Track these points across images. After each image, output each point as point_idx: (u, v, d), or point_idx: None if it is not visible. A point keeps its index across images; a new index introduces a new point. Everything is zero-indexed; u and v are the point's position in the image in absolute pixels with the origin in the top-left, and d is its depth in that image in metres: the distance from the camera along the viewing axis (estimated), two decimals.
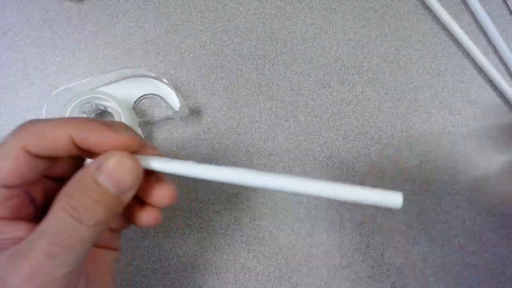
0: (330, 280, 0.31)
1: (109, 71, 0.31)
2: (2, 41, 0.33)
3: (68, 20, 0.34)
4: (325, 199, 0.18)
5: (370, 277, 0.31)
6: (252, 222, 0.31)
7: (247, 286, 0.30)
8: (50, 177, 0.20)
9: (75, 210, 0.16)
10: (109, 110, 0.31)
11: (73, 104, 0.29)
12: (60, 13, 0.34)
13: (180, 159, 0.20)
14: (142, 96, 0.32)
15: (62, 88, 0.29)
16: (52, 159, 0.19)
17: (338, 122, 0.33)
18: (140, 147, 0.19)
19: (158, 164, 0.19)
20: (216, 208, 0.31)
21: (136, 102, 0.32)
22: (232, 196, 0.31)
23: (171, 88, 0.31)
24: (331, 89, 0.34)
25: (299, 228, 0.31)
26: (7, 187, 0.17)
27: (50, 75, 0.33)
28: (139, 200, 0.20)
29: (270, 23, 0.35)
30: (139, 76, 0.31)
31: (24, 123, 0.18)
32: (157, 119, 0.32)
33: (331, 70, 0.35)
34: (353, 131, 0.33)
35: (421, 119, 0.34)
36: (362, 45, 0.35)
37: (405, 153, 0.33)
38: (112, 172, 0.17)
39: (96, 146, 0.18)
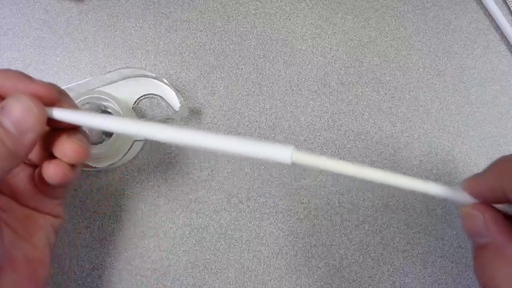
0: (330, 280, 0.31)
1: (109, 71, 0.31)
2: (2, 41, 0.33)
3: (68, 20, 0.34)
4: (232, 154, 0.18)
5: (370, 277, 0.31)
6: (252, 222, 0.31)
7: (247, 286, 0.30)
8: None
9: None
10: (109, 110, 0.31)
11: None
12: (60, 13, 0.34)
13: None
14: (142, 96, 0.32)
15: (62, 88, 0.29)
16: None
17: (338, 122, 0.33)
18: (59, 101, 0.20)
19: (61, 113, 0.19)
20: (216, 208, 0.31)
21: (136, 102, 0.32)
22: (232, 196, 0.31)
23: (171, 88, 0.31)
24: (331, 89, 0.34)
25: (299, 228, 0.31)
26: None
27: (50, 75, 0.33)
28: (52, 155, 0.21)
29: (270, 23, 0.35)
30: (139, 76, 0.31)
31: None
32: (157, 119, 0.32)
33: (331, 70, 0.35)
34: (353, 131, 0.33)
35: (421, 119, 0.34)
36: (362, 45, 0.35)
37: (405, 153, 0.33)
38: (12, 111, 0.18)
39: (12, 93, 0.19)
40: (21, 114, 0.18)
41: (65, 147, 0.20)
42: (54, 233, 0.23)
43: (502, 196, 0.18)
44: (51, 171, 0.20)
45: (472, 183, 0.20)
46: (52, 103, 0.20)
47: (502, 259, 0.18)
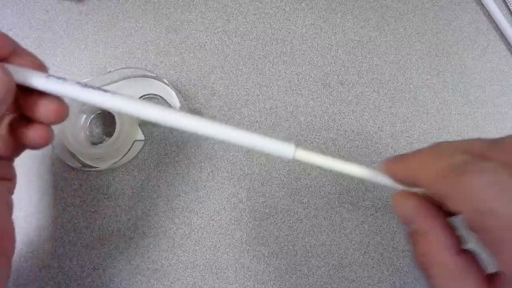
0: (330, 280, 0.31)
1: (109, 71, 0.31)
2: None
3: (68, 20, 0.34)
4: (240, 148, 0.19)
5: (370, 277, 0.31)
6: (252, 222, 0.31)
7: (247, 286, 0.30)
8: None
9: None
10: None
11: (73, 104, 0.29)
12: (60, 13, 0.34)
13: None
14: (142, 96, 0.32)
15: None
16: None
17: (338, 122, 0.33)
18: (14, 53, 0.19)
19: (34, 80, 0.18)
20: (216, 208, 0.31)
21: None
22: (232, 196, 0.31)
23: (171, 88, 0.31)
24: (331, 89, 0.34)
25: (299, 228, 0.31)
26: None
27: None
28: (26, 119, 0.20)
29: (270, 23, 0.35)
30: (139, 76, 0.31)
31: None
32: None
33: (331, 70, 0.35)
34: (353, 131, 0.33)
35: (421, 119, 0.34)
36: (362, 45, 0.35)
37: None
38: None
39: None
40: None
41: (45, 109, 0.19)
42: (11, 198, 0.22)
43: (412, 183, 0.19)
44: (35, 136, 0.19)
45: (390, 165, 0.20)
46: (5, 57, 0.19)
47: (428, 242, 0.19)
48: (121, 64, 0.33)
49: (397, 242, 0.31)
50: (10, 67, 0.18)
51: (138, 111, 0.19)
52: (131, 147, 0.30)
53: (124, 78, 0.31)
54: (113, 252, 0.30)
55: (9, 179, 0.22)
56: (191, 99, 0.33)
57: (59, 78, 0.18)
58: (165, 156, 0.32)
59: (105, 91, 0.19)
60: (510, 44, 0.36)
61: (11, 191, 0.22)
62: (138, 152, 0.31)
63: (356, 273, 0.31)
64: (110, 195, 0.31)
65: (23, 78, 0.18)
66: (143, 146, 0.31)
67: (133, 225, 0.30)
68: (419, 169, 0.19)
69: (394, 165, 0.20)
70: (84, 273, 0.29)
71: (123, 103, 0.19)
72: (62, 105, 0.19)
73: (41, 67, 0.20)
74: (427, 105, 0.34)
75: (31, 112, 0.19)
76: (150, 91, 0.32)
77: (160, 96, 0.32)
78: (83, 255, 0.29)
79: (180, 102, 0.30)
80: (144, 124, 0.32)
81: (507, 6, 0.37)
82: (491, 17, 0.37)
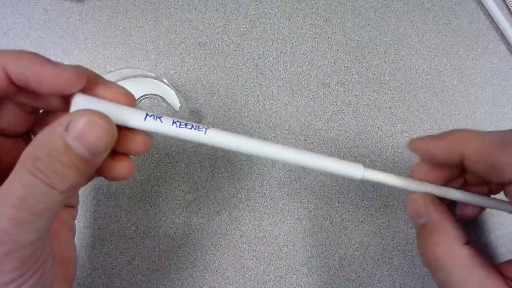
0: (330, 280, 0.31)
1: (109, 71, 0.31)
2: (3, 42, 0.33)
3: (68, 20, 0.34)
4: (297, 168, 0.21)
5: (370, 277, 0.31)
6: (252, 222, 0.31)
7: (247, 286, 0.30)
8: (2, 134, 0.19)
9: (45, 175, 0.15)
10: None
11: None
12: (60, 13, 0.34)
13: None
14: (142, 96, 0.32)
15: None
16: None
17: (338, 122, 0.33)
18: (90, 82, 0.18)
19: (134, 120, 0.18)
20: (216, 208, 0.31)
21: (136, 102, 0.32)
22: (232, 196, 0.31)
23: (171, 88, 0.31)
24: (331, 89, 0.34)
25: (299, 228, 0.31)
26: None
27: None
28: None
29: (270, 23, 0.35)
30: (139, 76, 0.31)
31: None
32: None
33: (331, 70, 0.35)
34: (353, 131, 0.33)
35: (421, 119, 0.34)
36: (362, 45, 0.35)
37: (405, 153, 0.33)
38: (83, 135, 0.15)
39: (36, 83, 0.16)
40: (94, 138, 0.16)
41: (133, 141, 0.18)
42: (74, 224, 0.22)
43: (454, 158, 0.21)
44: (122, 170, 0.18)
45: (422, 143, 0.22)
46: (85, 89, 0.17)
47: (439, 234, 0.21)
48: (121, 64, 0.33)
49: (397, 242, 0.31)
50: (103, 104, 0.17)
51: (235, 145, 0.20)
52: None
53: (124, 78, 0.31)
54: (113, 252, 0.30)
55: (74, 206, 0.22)
56: (191, 99, 0.33)
57: (155, 117, 0.18)
58: (165, 156, 0.32)
59: (199, 127, 0.19)
60: (510, 44, 0.36)
61: (74, 218, 0.22)
62: None
63: (356, 273, 0.31)
64: (110, 195, 0.31)
65: (122, 120, 0.18)
66: None
67: (133, 225, 0.30)
68: (464, 143, 0.20)
69: (434, 141, 0.22)
70: (84, 273, 0.29)
71: (219, 138, 0.19)
72: (148, 137, 0.19)
73: (130, 99, 0.19)
74: (427, 105, 0.34)
75: (117, 145, 0.18)
76: (150, 91, 0.32)
77: (160, 96, 0.32)
78: (83, 255, 0.29)
79: (180, 102, 0.30)
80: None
81: (507, 6, 0.37)
82: (491, 17, 0.37)
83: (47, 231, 0.16)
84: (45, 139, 0.16)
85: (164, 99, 0.31)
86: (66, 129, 0.15)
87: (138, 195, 0.31)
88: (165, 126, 0.18)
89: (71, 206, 0.22)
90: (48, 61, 0.16)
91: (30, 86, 0.16)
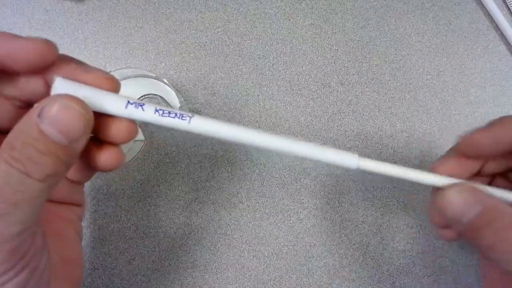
0: (330, 280, 0.31)
1: (109, 71, 0.31)
2: None
3: (68, 20, 0.34)
4: (291, 157, 0.20)
5: (370, 277, 0.31)
6: (252, 222, 0.31)
7: (247, 286, 0.30)
8: None
9: (20, 163, 0.14)
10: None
11: None
12: (60, 13, 0.34)
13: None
14: (142, 96, 0.32)
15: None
16: None
17: (338, 122, 0.33)
18: (60, 60, 0.17)
19: (115, 107, 0.17)
20: (216, 208, 0.31)
21: (119, 89, 0.32)
22: (232, 196, 0.31)
23: (171, 88, 0.31)
24: (331, 89, 0.34)
25: (299, 228, 0.31)
26: None
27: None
28: (95, 140, 0.18)
29: (270, 23, 0.35)
30: (139, 76, 0.31)
31: None
32: None
33: (331, 70, 0.35)
34: (353, 131, 0.33)
35: (421, 119, 0.34)
36: (362, 45, 0.35)
37: (405, 153, 0.33)
38: (57, 120, 0.15)
39: (8, 59, 0.16)
40: (68, 122, 0.15)
41: (116, 129, 0.18)
42: (81, 225, 0.21)
43: (505, 147, 0.19)
44: (108, 158, 0.18)
45: (479, 136, 0.20)
46: (53, 64, 0.17)
47: (507, 216, 0.18)
48: (121, 64, 0.33)
49: (397, 242, 0.31)
50: (83, 89, 0.17)
51: (223, 133, 0.18)
52: (131, 147, 0.30)
53: (124, 78, 0.31)
54: (113, 252, 0.30)
55: (79, 205, 0.21)
56: (191, 99, 0.33)
57: (137, 105, 0.17)
58: (165, 156, 0.32)
59: (183, 116, 0.18)
60: (510, 44, 0.36)
61: (80, 218, 0.21)
62: (138, 152, 0.31)
63: (356, 273, 0.31)
64: (110, 195, 0.31)
65: (101, 106, 0.17)
66: (143, 146, 0.31)
67: (133, 225, 0.30)
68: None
69: (480, 134, 0.20)
70: (84, 273, 0.29)
71: (206, 126, 0.18)
72: (132, 124, 0.18)
73: (114, 84, 0.18)
74: (427, 105, 0.34)
75: (101, 133, 0.18)
76: (150, 91, 0.32)
77: (160, 96, 0.32)
78: (83, 255, 0.30)
79: (180, 102, 0.30)
80: (144, 124, 0.32)
81: (507, 6, 0.37)
82: (491, 17, 0.37)
83: (33, 223, 0.15)
84: (20, 127, 0.15)
85: (164, 99, 0.31)
86: (39, 115, 0.15)
87: (138, 195, 0.31)
88: (147, 114, 0.17)
89: (75, 204, 0.21)
90: (16, 35, 0.16)
91: (5, 64, 0.16)
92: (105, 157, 0.18)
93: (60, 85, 0.17)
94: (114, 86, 0.18)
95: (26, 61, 0.16)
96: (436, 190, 0.21)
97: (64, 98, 0.16)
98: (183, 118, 0.17)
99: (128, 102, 0.17)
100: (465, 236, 0.19)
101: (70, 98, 0.16)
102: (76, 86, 0.17)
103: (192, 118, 0.18)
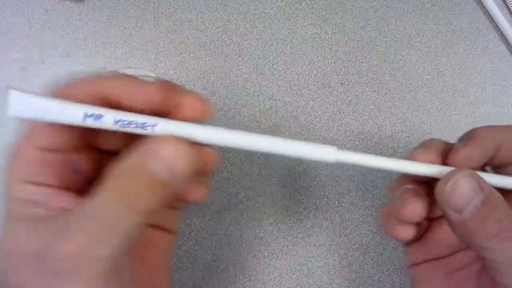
0: (330, 280, 0.31)
1: (109, 71, 0.31)
2: (2, 41, 0.33)
3: (68, 20, 0.34)
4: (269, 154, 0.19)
5: (370, 277, 0.31)
6: (252, 222, 0.31)
7: (247, 286, 0.30)
8: (99, 149, 0.19)
9: (125, 196, 0.15)
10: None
11: None
12: (60, 13, 0.34)
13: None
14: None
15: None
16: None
17: (338, 122, 0.33)
18: (174, 95, 0.18)
19: (68, 115, 0.17)
20: (216, 208, 0.31)
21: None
22: (232, 196, 0.31)
23: None
24: (331, 89, 0.34)
25: (299, 228, 0.31)
26: (50, 150, 0.17)
27: (50, 75, 0.33)
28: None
29: (270, 23, 0.35)
30: (139, 76, 0.31)
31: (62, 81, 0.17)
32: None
33: (331, 70, 0.35)
34: (353, 131, 0.33)
35: (421, 119, 0.34)
36: (362, 45, 0.35)
37: (405, 153, 0.33)
38: (168, 161, 0.16)
39: (127, 99, 0.17)
40: (178, 164, 0.16)
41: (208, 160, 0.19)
42: (171, 252, 0.21)
43: (493, 155, 0.19)
44: (198, 195, 0.19)
45: (468, 151, 0.20)
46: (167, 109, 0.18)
47: (503, 202, 0.18)
48: (121, 64, 0.33)
49: (397, 242, 0.31)
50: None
51: (196, 136, 0.18)
52: None
53: None
54: None
55: (171, 231, 0.21)
56: None
57: (96, 117, 0.17)
58: None
59: (144, 124, 0.17)
60: (510, 44, 0.36)
61: (171, 244, 0.21)
62: None
63: (356, 273, 0.31)
64: None
65: (55, 117, 0.17)
66: None
67: None
68: (499, 138, 0.19)
69: (467, 150, 0.20)
70: None
71: (169, 130, 0.17)
72: (215, 153, 0.19)
73: (206, 107, 0.18)
74: (427, 105, 0.34)
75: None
76: None
77: None
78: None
79: None
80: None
81: (507, 6, 0.37)
82: (491, 17, 0.37)
83: (125, 249, 0.16)
84: (130, 161, 0.16)
85: None
86: (151, 153, 0.16)
87: None
88: (107, 126, 0.17)
89: (171, 230, 0.21)
90: (136, 78, 0.17)
91: (124, 104, 0.17)
92: (196, 191, 0.19)
93: (160, 123, 0.17)
94: (206, 109, 0.18)
95: (142, 102, 0.17)
96: (414, 180, 0.21)
97: (175, 140, 0.16)
98: (145, 127, 0.17)
99: (86, 114, 0.17)
100: (464, 227, 0.18)
101: (181, 140, 0.16)
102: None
103: (155, 127, 0.17)
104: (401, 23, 0.36)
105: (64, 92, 0.17)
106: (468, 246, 0.19)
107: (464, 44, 0.36)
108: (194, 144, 0.17)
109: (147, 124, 0.17)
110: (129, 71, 0.31)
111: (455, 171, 0.19)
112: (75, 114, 0.17)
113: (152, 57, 0.34)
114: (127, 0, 0.35)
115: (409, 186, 0.21)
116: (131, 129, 0.17)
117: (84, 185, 0.18)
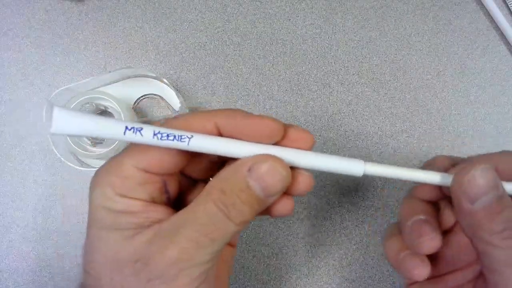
0: (330, 280, 0.31)
1: (109, 71, 0.31)
2: (2, 41, 0.33)
3: (68, 20, 0.34)
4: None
5: (370, 277, 0.31)
6: (252, 222, 0.31)
7: (247, 286, 0.30)
8: (185, 175, 0.21)
9: (226, 207, 0.17)
10: (110, 110, 0.31)
11: (73, 104, 0.29)
12: (60, 13, 0.34)
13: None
14: (142, 96, 0.32)
15: (62, 88, 0.29)
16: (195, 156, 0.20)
17: (338, 122, 0.33)
18: (283, 128, 0.19)
19: (112, 131, 0.18)
20: None
21: (136, 102, 0.32)
22: None
23: (171, 88, 0.31)
24: (331, 89, 0.34)
25: (299, 228, 0.31)
26: (148, 172, 0.18)
27: (50, 75, 0.33)
28: None
29: (270, 23, 0.35)
30: (139, 76, 0.31)
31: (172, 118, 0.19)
32: (157, 119, 0.32)
33: (331, 70, 0.35)
34: (353, 131, 0.33)
35: (421, 119, 0.34)
36: (362, 45, 0.35)
37: (405, 153, 0.33)
38: (263, 178, 0.17)
39: (239, 134, 0.19)
40: (272, 182, 0.18)
41: (299, 182, 0.20)
42: (232, 265, 0.23)
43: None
44: (284, 209, 0.20)
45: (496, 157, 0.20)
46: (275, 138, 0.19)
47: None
48: (121, 64, 0.33)
49: None
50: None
51: (224, 150, 0.19)
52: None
53: (124, 78, 0.31)
54: None
55: (234, 245, 0.23)
56: (191, 99, 0.33)
57: (136, 130, 0.18)
58: None
59: (181, 137, 0.18)
60: (510, 44, 0.36)
61: (233, 259, 0.23)
62: None
63: (356, 273, 0.31)
64: None
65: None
66: None
67: None
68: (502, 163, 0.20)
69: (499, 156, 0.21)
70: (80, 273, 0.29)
71: (204, 144, 0.18)
72: (312, 177, 0.20)
73: (310, 139, 0.20)
74: (427, 105, 0.34)
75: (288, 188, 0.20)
76: (150, 91, 0.32)
77: (160, 96, 0.32)
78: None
79: (180, 102, 0.30)
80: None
81: (507, 6, 0.37)
82: (491, 17, 0.37)
83: (218, 256, 0.18)
84: (230, 176, 0.18)
85: (164, 99, 0.31)
86: (249, 170, 0.17)
87: None
88: (146, 139, 0.18)
89: (232, 245, 0.23)
90: (250, 114, 0.19)
91: (235, 136, 0.19)
92: (284, 206, 0.20)
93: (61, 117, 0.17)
94: (309, 143, 0.20)
95: (255, 138, 0.19)
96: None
97: (272, 160, 0.18)
98: (182, 140, 0.18)
99: (126, 128, 0.18)
100: (472, 217, 0.19)
101: (277, 160, 0.18)
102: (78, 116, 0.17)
103: (191, 139, 0.18)
104: (401, 23, 0.36)
105: (183, 126, 0.18)
106: (471, 239, 0.19)
107: (464, 44, 0.36)
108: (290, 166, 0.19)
109: (184, 137, 0.18)
110: (129, 71, 0.31)
111: (475, 164, 0.19)
112: (116, 128, 0.17)
113: (152, 57, 0.34)
114: (127, 0, 0.35)
115: (422, 217, 0.21)
116: (168, 143, 0.18)
117: (169, 201, 0.20)
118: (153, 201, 0.18)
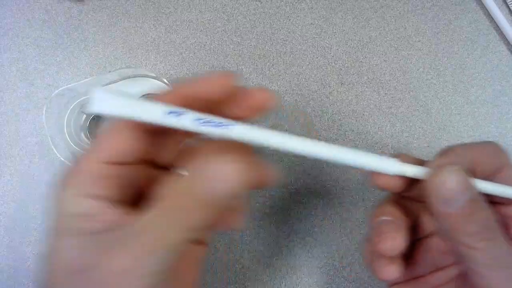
0: (330, 280, 0.31)
1: (109, 71, 0.31)
2: (2, 41, 0.33)
3: (68, 20, 0.34)
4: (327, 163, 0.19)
5: (370, 277, 0.31)
6: (252, 222, 0.31)
7: (247, 286, 0.30)
8: (154, 165, 0.20)
9: (172, 214, 0.16)
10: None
11: (73, 104, 0.29)
12: (60, 13, 0.34)
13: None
14: (142, 96, 0.32)
15: (62, 88, 0.29)
16: (160, 138, 0.19)
17: (338, 122, 0.33)
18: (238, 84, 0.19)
19: (151, 115, 0.18)
20: None
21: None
22: None
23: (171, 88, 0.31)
24: (331, 89, 0.34)
25: (299, 228, 0.31)
26: (111, 163, 0.17)
27: (50, 75, 0.33)
28: None
29: (270, 23, 0.35)
30: (139, 76, 0.31)
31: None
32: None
33: (331, 70, 0.35)
34: (353, 131, 0.33)
35: (421, 119, 0.34)
36: (362, 45, 0.35)
37: (405, 153, 0.33)
38: (214, 182, 0.16)
39: (204, 94, 0.18)
40: (221, 185, 0.16)
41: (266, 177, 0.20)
42: (202, 262, 0.22)
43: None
44: (238, 223, 0.20)
45: (441, 162, 0.20)
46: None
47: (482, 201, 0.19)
48: (121, 64, 0.33)
49: None
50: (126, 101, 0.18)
51: (262, 141, 0.19)
52: None
53: (124, 78, 0.31)
54: None
55: (204, 243, 0.22)
56: None
57: (178, 113, 0.18)
58: None
59: (223, 123, 0.18)
60: (510, 44, 0.36)
61: (203, 258, 0.23)
62: None
63: (356, 273, 0.31)
64: None
65: (140, 117, 0.18)
66: None
67: None
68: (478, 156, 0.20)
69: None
70: None
71: (249, 135, 0.19)
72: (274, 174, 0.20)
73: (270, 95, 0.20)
74: (427, 105, 0.34)
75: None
76: (150, 91, 0.32)
77: None
78: None
79: None
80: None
81: (507, 6, 0.37)
82: (491, 17, 0.37)
83: (173, 263, 0.17)
84: (178, 180, 0.17)
85: None
86: (198, 173, 0.16)
87: None
88: (186, 123, 0.18)
89: (206, 242, 0.22)
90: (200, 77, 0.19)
91: (200, 99, 0.18)
92: (233, 221, 0.20)
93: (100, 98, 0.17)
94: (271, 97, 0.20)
95: (216, 94, 0.18)
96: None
97: (223, 163, 0.17)
98: (220, 126, 0.18)
99: (166, 112, 0.17)
100: (449, 221, 0.19)
101: (232, 164, 0.16)
102: (117, 97, 0.17)
103: (230, 126, 0.18)
104: (401, 23, 0.36)
105: (158, 99, 0.18)
106: (450, 242, 0.19)
107: (464, 44, 0.36)
108: (248, 164, 0.17)
109: (222, 124, 0.18)
110: (129, 71, 0.31)
111: (446, 165, 0.19)
112: (157, 111, 0.17)
113: (152, 57, 0.34)
114: (127, 0, 0.35)
115: (386, 218, 0.22)
116: (206, 128, 0.18)
117: (136, 198, 0.19)
118: (119, 198, 0.18)
